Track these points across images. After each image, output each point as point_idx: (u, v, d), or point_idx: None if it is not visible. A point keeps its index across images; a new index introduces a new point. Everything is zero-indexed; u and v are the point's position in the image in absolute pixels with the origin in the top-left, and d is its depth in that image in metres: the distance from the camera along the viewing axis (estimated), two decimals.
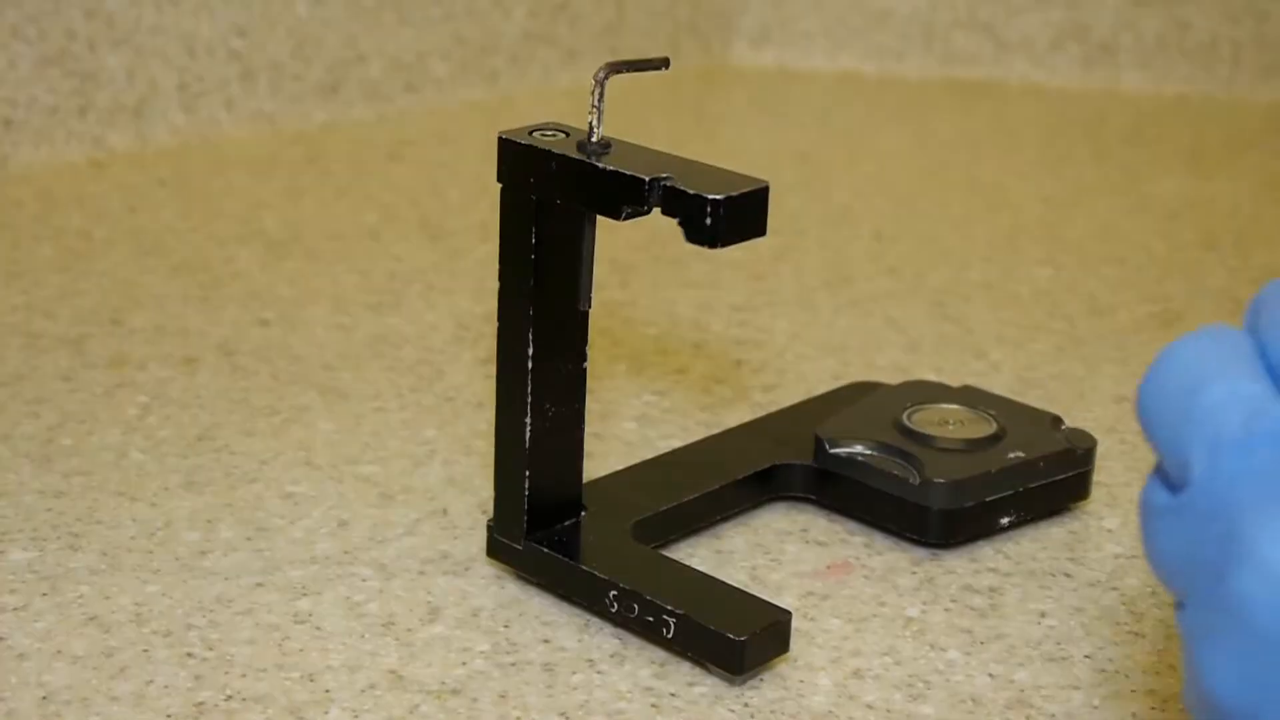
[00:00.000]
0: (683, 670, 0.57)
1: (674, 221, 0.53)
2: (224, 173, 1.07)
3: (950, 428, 0.67)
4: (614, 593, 0.57)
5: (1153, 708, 0.56)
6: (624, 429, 0.74)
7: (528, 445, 0.58)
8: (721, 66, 1.41)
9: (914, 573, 0.63)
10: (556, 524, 0.61)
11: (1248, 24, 1.38)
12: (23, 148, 1.05)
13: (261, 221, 0.99)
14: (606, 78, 0.54)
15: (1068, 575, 0.64)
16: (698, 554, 0.64)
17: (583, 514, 0.61)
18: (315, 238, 0.97)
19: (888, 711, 0.55)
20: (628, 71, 0.55)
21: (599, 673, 0.56)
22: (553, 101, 1.26)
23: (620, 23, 1.34)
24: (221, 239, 0.96)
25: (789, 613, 0.56)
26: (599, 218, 0.56)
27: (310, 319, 0.85)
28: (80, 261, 0.91)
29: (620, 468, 0.67)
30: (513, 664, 0.56)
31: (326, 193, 1.05)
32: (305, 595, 0.60)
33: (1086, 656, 0.58)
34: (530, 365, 0.57)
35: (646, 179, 0.52)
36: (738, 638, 0.55)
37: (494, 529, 0.61)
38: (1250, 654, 0.35)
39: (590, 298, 0.58)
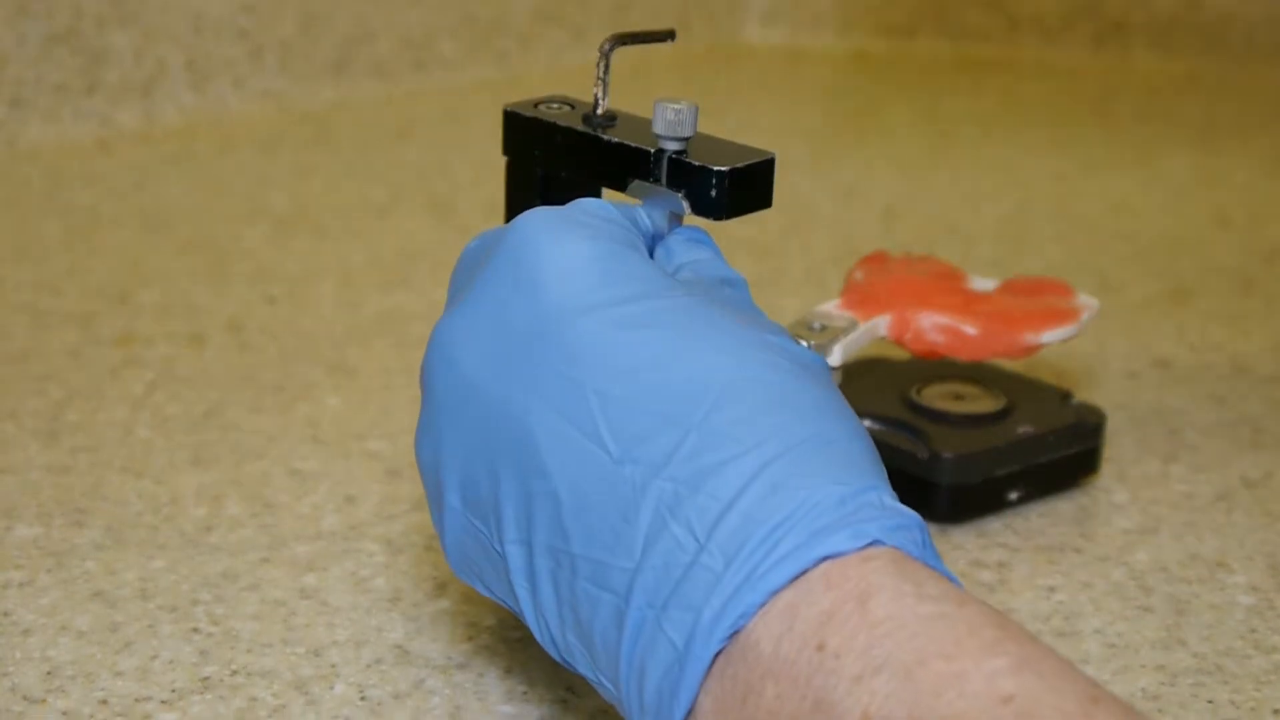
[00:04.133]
0: None
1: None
2: (232, 151, 1.07)
3: (959, 403, 0.67)
4: None
5: (1162, 682, 0.55)
6: None
7: None
8: (731, 44, 1.41)
9: None
10: None
11: (1260, 1, 1.37)
12: (31, 126, 1.05)
13: (269, 199, 0.99)
14: (612, 49, 0.54)
15: (1077, 550, 0.64)
16: None
17: None
18: (323, 215, 0.96)
19: None
20: (633, 43, 0.55)
21: None
22: (562, 80, 1.26)
23: (630, 1, 1.34)
24: (229, 217, 0.95)
25: None
26: (605, 190, 0.56)
27: (318, 296, 0.85)
28: (88, 239, 0.91)
29: None
30: (519, 639, 0.56)
31: (334, 171, 1.05)
32: (311, 570, 0.60)
33: (1096, 631, 0.58)
34: None
35: (652, 151, 0.52)
36: None
37: None
38: (428, 417, 0.46)
39: None
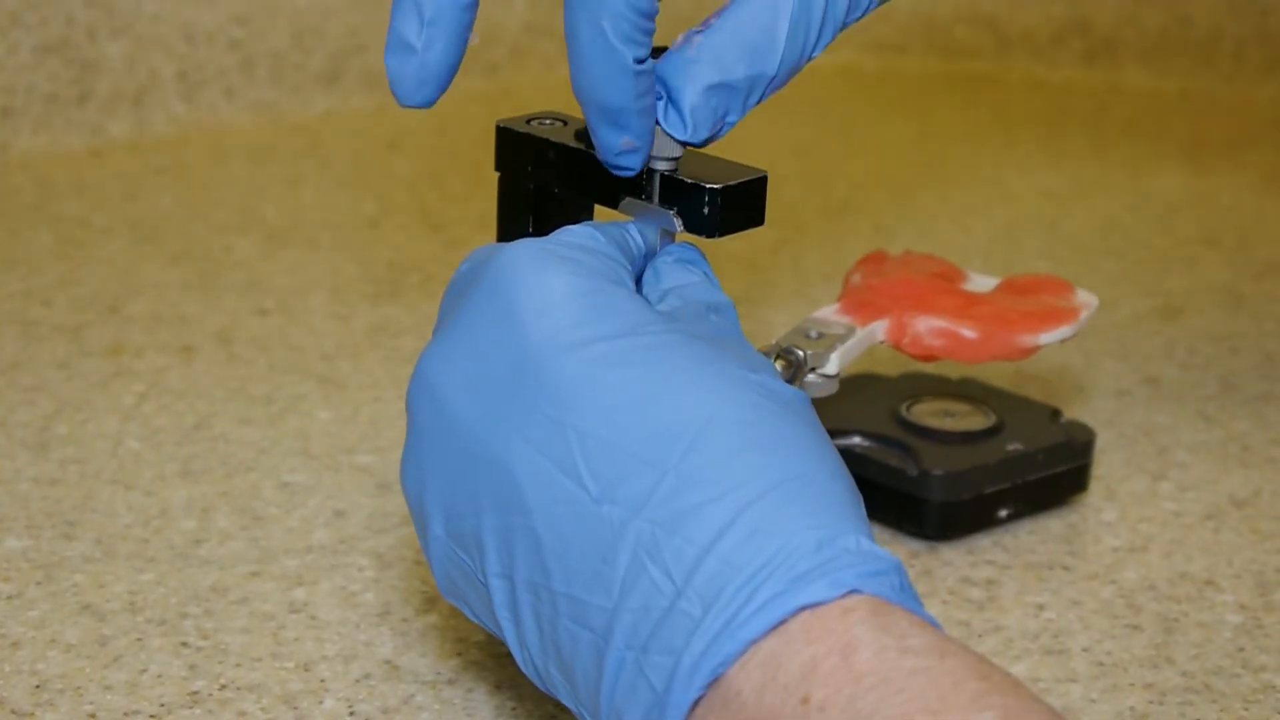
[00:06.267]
0: None
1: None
2: (223, 162, 1.07)
3: (949, 420, 0.67)
4: None
5: (1150, 701, 0.55)
6: None
7: None
8: None
9: (911, 565, 0.63)
10: None
11: (1250, 18, 1.38)
12: (22, 135, 1.05)
13: (261, 211, 0.99)
14: None
15: (1065, 568, 0.64)
16: None
17: None
18: (314, 227, 0.96)
19: None
20: None
21: None
22: (553, 93, 1.26)
23: None
24: (220, 228, 0.95)
25: None
26: (597, 207, 0.56)
27: (309, 308, 0.85)
28: (79, 250, 0.91)
29: None
30: (508, 655, 0.56)
31: (326, 182, 1.05)
32: (301, 585, 0.60)
33: (1084, 649, 0.58)
34: None
35: (644, 168, 0.52)
36: None
37: None
38: (412, 446, 0.46)
39: None
